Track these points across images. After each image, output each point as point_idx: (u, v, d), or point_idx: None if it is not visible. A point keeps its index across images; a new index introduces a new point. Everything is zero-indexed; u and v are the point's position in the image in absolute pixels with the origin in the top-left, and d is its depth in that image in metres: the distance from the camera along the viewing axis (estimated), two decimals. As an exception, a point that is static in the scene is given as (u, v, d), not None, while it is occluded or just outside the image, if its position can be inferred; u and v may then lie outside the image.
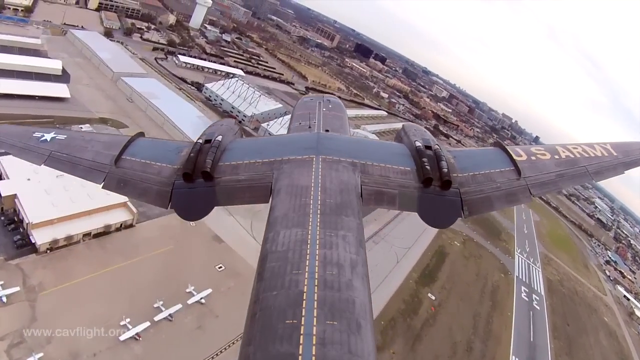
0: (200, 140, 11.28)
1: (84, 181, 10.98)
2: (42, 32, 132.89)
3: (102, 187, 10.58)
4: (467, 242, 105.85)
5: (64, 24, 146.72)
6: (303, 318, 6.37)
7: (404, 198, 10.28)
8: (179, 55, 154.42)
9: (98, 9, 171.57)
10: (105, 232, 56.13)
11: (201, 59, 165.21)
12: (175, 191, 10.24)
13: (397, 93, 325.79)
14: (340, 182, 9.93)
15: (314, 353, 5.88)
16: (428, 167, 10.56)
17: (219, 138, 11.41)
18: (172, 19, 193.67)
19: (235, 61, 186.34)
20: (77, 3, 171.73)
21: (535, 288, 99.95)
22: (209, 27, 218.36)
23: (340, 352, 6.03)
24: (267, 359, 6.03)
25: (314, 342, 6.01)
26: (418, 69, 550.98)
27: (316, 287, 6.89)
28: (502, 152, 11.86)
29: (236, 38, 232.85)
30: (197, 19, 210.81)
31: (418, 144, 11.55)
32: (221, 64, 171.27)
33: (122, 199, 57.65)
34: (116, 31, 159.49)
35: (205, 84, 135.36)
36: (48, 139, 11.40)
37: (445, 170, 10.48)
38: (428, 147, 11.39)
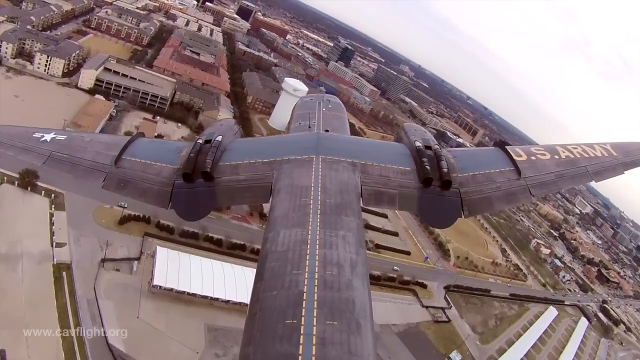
0: (200, 141, 11.26)
1: None
2: None
3: (102, 187, 10.58)
4: None
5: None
6: (303, 318, 6.38)
7: (404, 198, 10.42)
8: (157, 250, 63.89)
9: (92, 92, 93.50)
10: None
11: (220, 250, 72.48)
12: (175, 191, 10.28)
13: (553, 232, 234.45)
14: (340, 182, 10.03)
15: (313, 353, 5.90)
16: (428, 167, 10.62)
17: (219, 138, 11.37)
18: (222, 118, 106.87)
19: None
20: (66, 75, 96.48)
21: None
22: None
23: (340, 352, 6.06)
24: (267, 359, 6.08)
25: (314, 342, 6.03)
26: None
27: (316, 287, 6.92)
28: (502, 152, 11.98)
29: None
30: (279, 117, 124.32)
31: (418, 144, 11.61)
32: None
33: None
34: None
35: None
36: (48, 140, 11.30)
37: (445, 170, 10.55)
38: (428, 147, 11.45)
